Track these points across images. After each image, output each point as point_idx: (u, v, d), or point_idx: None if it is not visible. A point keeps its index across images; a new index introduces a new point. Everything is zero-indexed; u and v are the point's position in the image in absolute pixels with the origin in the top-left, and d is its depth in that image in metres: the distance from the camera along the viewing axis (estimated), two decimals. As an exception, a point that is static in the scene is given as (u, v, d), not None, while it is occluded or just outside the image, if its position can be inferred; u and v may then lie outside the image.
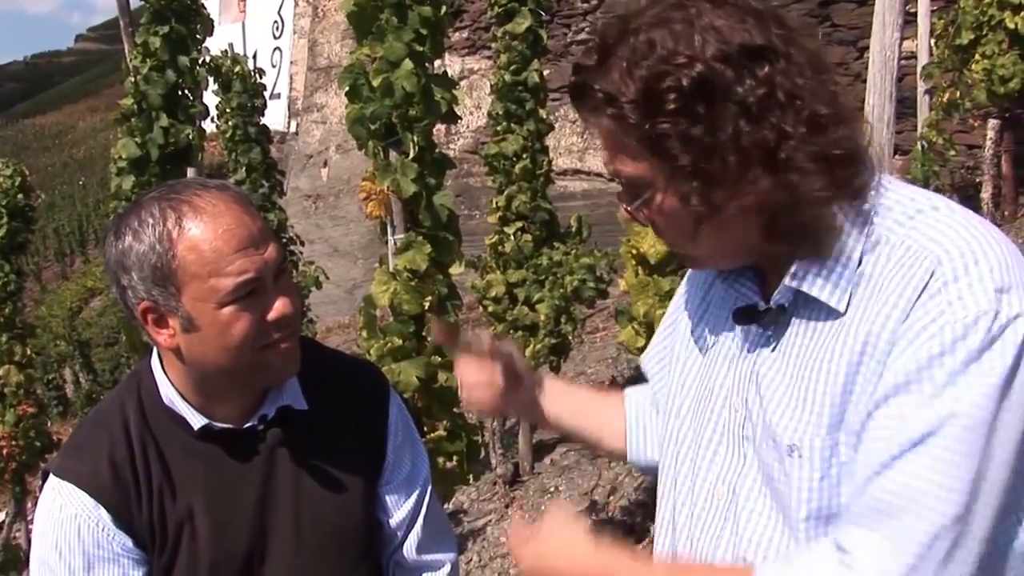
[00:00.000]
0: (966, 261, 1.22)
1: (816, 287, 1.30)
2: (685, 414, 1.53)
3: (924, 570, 1.18)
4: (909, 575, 1.18)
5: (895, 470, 1.20)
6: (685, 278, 1.71)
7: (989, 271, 1.21)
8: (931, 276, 1.22)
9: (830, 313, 1.30)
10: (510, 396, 1.80)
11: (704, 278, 1.59)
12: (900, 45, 3.32)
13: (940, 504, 1.17)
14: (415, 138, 3.76)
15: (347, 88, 3.80)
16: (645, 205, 1.32)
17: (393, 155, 3.82)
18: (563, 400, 1.86)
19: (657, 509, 1.65)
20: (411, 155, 3.77)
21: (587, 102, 1.30)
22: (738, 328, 1.45)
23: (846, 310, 1.29)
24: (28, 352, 10.26)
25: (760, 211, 1.27)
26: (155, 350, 1.73)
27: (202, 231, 1.54)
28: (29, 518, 9.90)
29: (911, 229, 1.28)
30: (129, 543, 1.67)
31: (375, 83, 3.70)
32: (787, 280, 1.32)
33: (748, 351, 1.42)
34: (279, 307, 1.60)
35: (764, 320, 1.38)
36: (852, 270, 1.29)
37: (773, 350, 1.38)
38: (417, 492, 1.92)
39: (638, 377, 1.84)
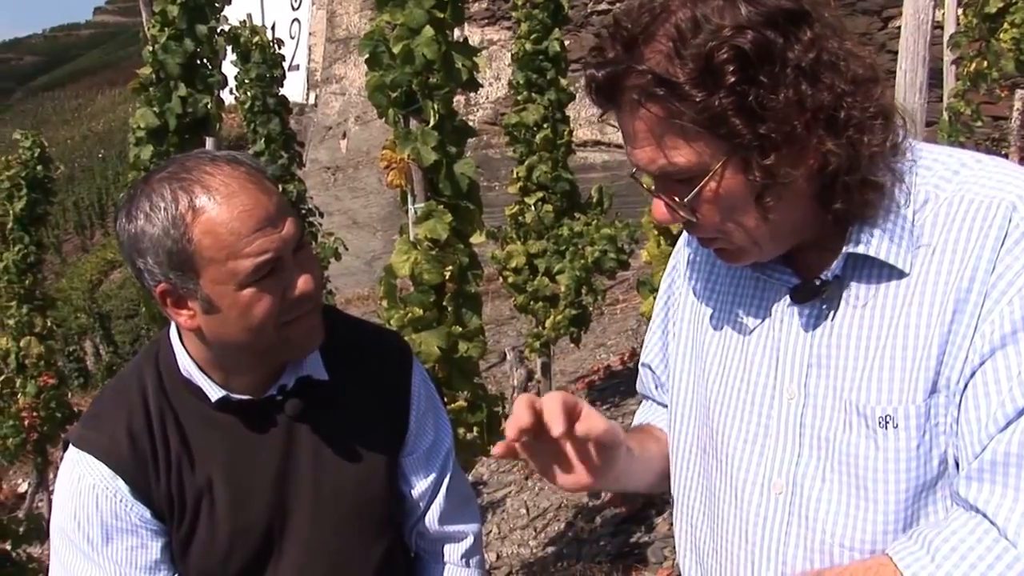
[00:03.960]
0: None
1: (882, 250, 1.29)
2: (716, 410, 1.49)
3: None
4: None
5: None
6: (667, 277, 1.69)
7: None
8: (1010, 222, 1.23)
9: (891, 275, 1.30)
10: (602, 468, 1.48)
11: (708, 269, 1.56)
12: (934, 9, 3.26)
13: None
14: (436, 106, 3.71)
15: (367, 55, 3.75)
16: (699, 195, 1.28)
17: (413, 123, 3.77)
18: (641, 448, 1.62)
19: (676, 510, 1.61)
20: (432, 123, 3.73)
21: (624, 93, 1.25)
22: (776, 313, 1.42)
23: (910, 269, 1.28)
24: (49, 324, 10.31)
25: (821, 174, 1.25)
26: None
27: (217, 213, 1.50)
28: (51, 488, 9.99)
29: (961, 183, 1.29)
30: (147, 514, 1.67)
31: (395, 50, 3.65)
32: (846, 247, 1.30)
33: (801, 332, 1.39)
34: (301, 284, 1.57)
35: (824, 295, 1.35)
36: (908, 230, 1.29)
37: (830, 326, 1.35)
38: (440, 462, 1.91)
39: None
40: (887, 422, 1.28)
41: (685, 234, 1.62)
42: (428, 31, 3.64)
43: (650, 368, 1.76)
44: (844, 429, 1.33)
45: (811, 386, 1.37)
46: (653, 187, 1.33)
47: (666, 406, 1.71)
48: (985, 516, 1.20)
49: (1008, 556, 1.17)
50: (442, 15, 3.68)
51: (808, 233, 1.33)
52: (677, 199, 1.30)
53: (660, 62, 1.20)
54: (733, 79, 1.17)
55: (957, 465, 1.27)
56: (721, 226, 1.32)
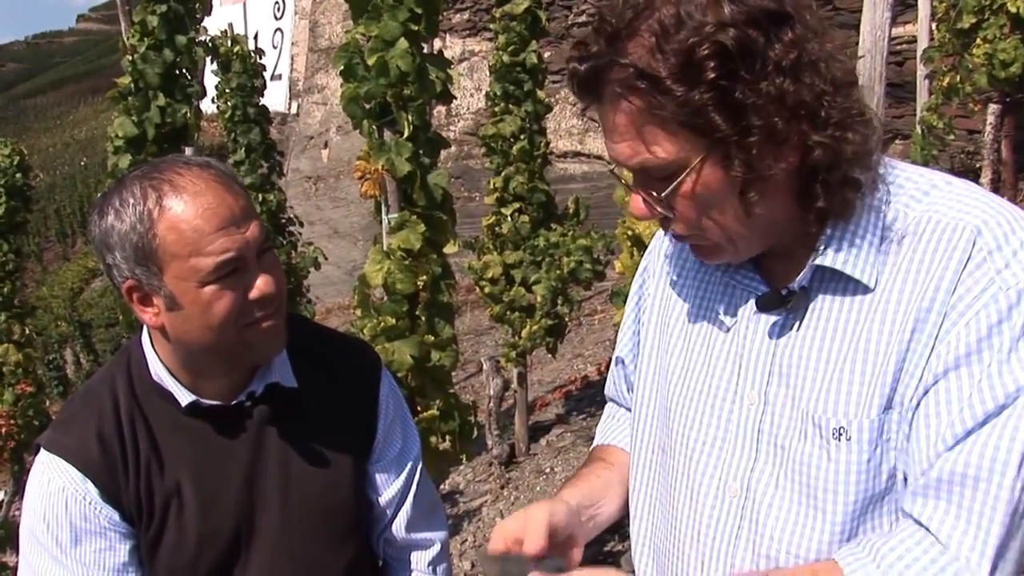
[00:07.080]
0: (1004, 231, 1.25)
1: (848, 264, 1.31)
2: (676, 410, 1.51)
3: (1013, 543, 1.21)
4: (999, 546, 1.20)
5: (972, 443, 1.21)
6: (638, 277, 1.70)
7: None
8: (973, 246, 1.24)
9: (856, 289, 1.32)
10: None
11: (678, 272, 1.58)
12: (890, 26, 3.31)
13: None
14: (410, 117, 3.74)
15: (342, 67, 3.79)
16: (677, 190, 1.29)
17: (388, 135, 3.81)
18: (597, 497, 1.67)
19: (633, 507, 1.64)
20: (406, 135, 3.76)
21: (607, 86, 1.26)
22: (742, 318, 1.44)
23: (875, 285, 1.30)
24: (27, 332, 10.28)
25: (801, 172, 1.27)
26: (145, 326, 1.73)
27: (182, 210, 1.54)
28: (28, 496, 9.91)
29: (931, 204, 1.30)
30: (116, 517, 1.68)
31: (370, 62, 3.68)
32: (813, 258, 1.32)
33: (765, 339, 1.40)
34: (261, 286, 1.60)
35: (790, 305, 1.37)
36: (876, 246, 1.30)
37: (794, 336, 1.37)
38: (407, 470, 1.93)
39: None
40: (840, 434, 1.30)
41: (658, 235, 1.64)
42: (402, 43, 3.67)
43: (623, 362, 1.77)
44: (799, 438, 1.34)
45: (771, 394, 1.38)
46: (632, 182, 1.34)
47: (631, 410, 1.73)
48: (929, 531, 1.23)
49: (951, 568, 1.20)
50: (416, 27, 3.71)
51: (783, 237, 1.34)
52: (655, 194, 1.31)
53: (643, 56, 1.21)
54: (714, 75, 1.18)
55: (905, 480, 1.29)
56: (698, 222, 1.33)
